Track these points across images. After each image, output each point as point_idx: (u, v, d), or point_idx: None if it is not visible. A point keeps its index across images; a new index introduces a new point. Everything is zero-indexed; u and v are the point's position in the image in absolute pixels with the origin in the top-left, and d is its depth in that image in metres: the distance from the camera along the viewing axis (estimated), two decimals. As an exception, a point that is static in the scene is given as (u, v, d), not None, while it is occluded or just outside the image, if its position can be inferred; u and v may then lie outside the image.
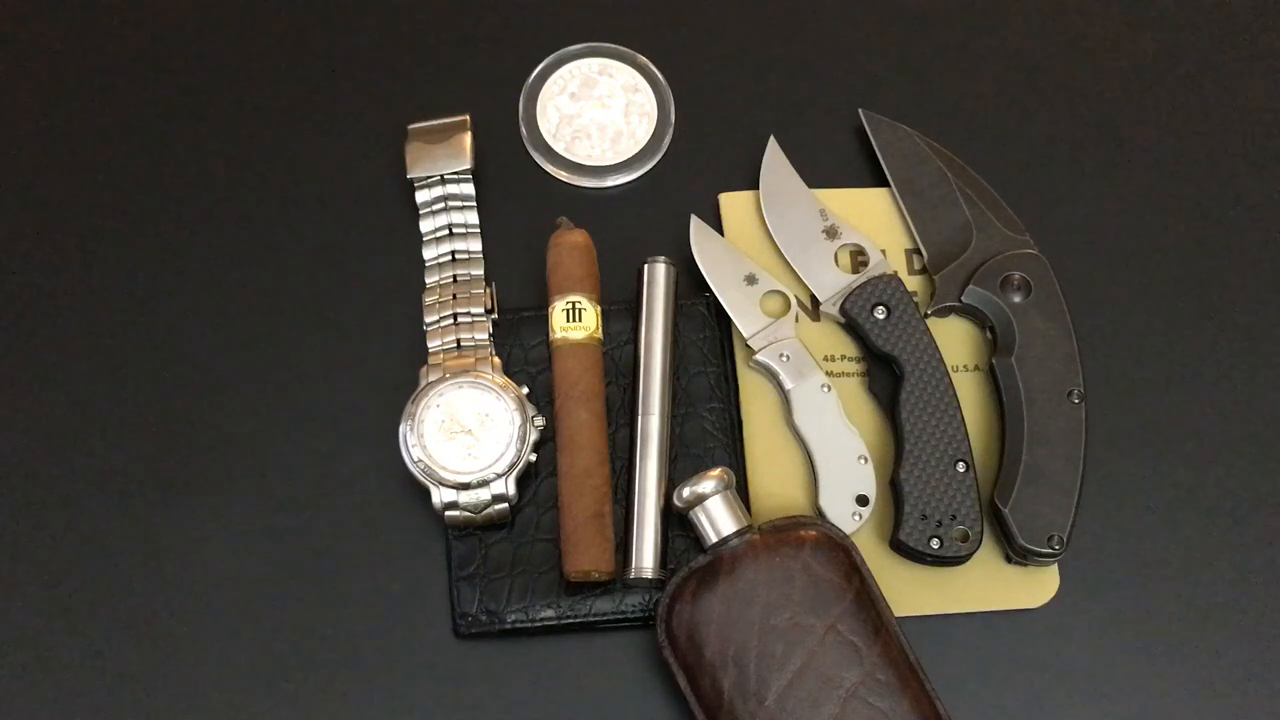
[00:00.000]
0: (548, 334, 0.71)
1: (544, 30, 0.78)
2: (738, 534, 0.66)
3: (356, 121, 0.77)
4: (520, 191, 0.76)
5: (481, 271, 0.72)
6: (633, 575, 0.67)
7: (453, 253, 0.72)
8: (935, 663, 0.68)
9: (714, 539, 0.66)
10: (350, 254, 0.74)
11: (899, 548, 0.68)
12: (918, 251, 0.74)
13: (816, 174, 0.75)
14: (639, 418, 0.70)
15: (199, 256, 0.74)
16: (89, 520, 0.70)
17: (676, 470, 0.70)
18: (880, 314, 0.71)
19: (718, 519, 0.66)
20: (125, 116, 0.76)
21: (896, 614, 0.67)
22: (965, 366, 0.73)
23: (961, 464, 0.68)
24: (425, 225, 0.73)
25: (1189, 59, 0.79)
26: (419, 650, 0.68)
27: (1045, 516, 0.68)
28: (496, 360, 0.69)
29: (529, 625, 0.68)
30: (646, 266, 0.72)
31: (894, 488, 0.69)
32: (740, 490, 0.70)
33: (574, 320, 0.70)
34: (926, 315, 0.72)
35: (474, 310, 0.70)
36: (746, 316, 0.71)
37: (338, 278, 0.74)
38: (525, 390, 0.69)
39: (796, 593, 0.64)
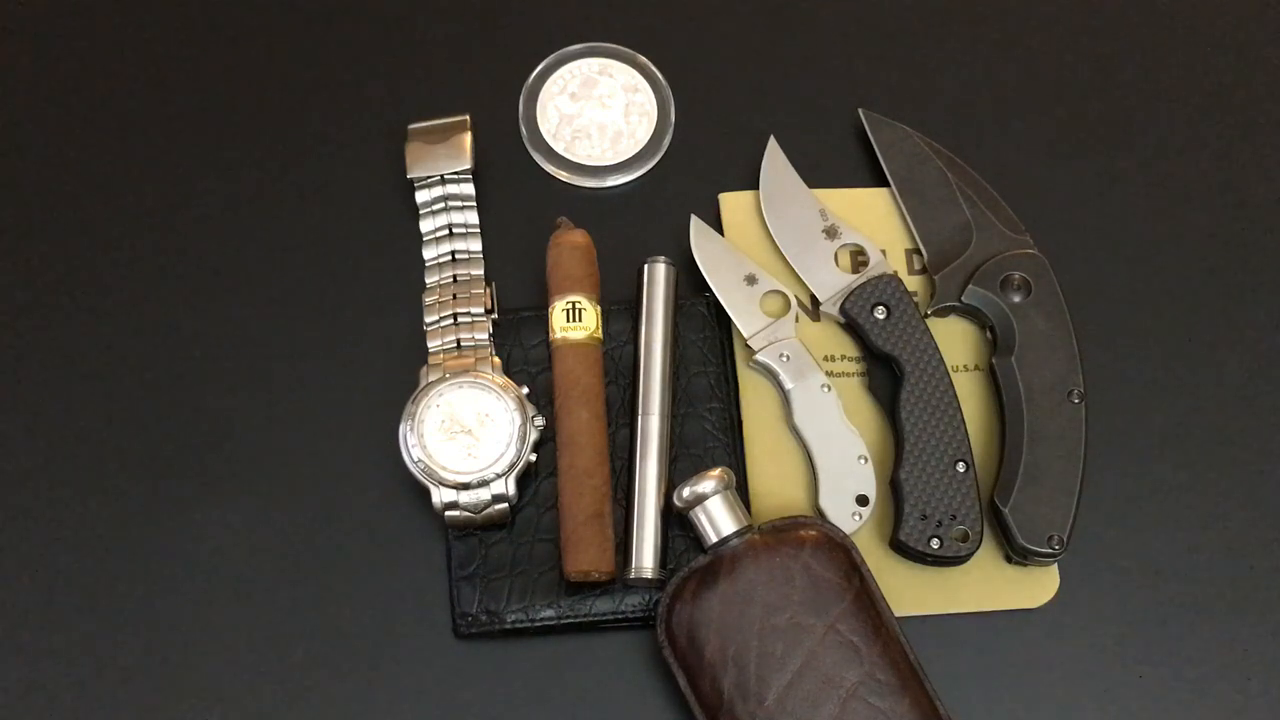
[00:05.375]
0: (548, 334, 0.71)
1: (544, 30, 0.78)
2: (738, 534, 0.66)
3: (356, 121, 0.77)
4: (520, 191, 0.76)
5: (481, 271, 0.72)
6: (633, 575, 0.67)
7: (453, 253, 0.72)
8: (935, 663, 0.68)
9: (714, 539, 0.66)
10: (350, 254, 0.74)
11: (899, 548, 0.68)
12: (918, 251, 0.74)
13: (816, 174, 0.75)
14: (639, 418, 0.70)
15: (199, 256, 0.74)
16: (89, 521, 0.70)
17: (676, 470, 0.70)
18: (880, 314, 0.71)
19: (718, 519, 0.66)
20: (126, 116, 0.76)
21: (896, 614, 0.67)
22: (965, 366, 0.73)
23: (961, 464, 0.68)
24: (425, 225, 0.73)
25: (1189, 59, 0.79)
26: (419, 650, 0.68)
27: (1045, 516, 0.68)
28: (496, 360, 0.69)
29: (529, 625, 0.68)
30: (646, 266, 0.72)
31: (894, 488, 0.69)
32: (740, 490, 0.70)
33: (574, 320, 0.70)
34: (926, 315, 0.72)
35: (474, 310, 0.70)
36: (746, 316, 0.71)
37: (338, 278, 0.74)
38: (525, 390, 0.69)
39: (796, 593, 0.64)
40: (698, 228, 0.73)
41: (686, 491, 0.66)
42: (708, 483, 0.66)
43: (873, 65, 0.79)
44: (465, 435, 0.67)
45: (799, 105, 0.78)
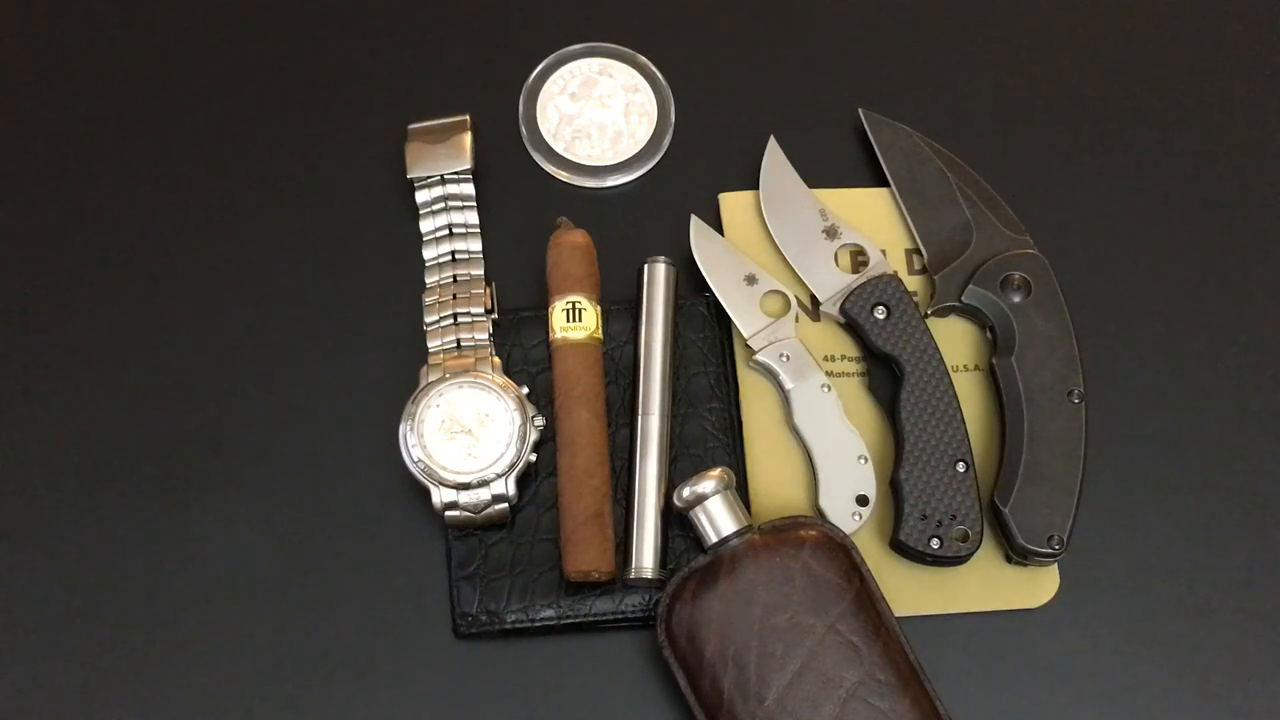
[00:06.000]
0: (548, 334, 0.71)
1: (544, 30, 0.78)
2: (738, 534, 0.66)
3: (356, 121, 0.77)
4: (520, 191, 0.76)
5: (481, 271, 0.72)
6: (633, 575, 0.67)
7: (453, 253, 0.72)
8: (935, 663, 0.68)
9: (714, 539, 0.66)
10: (350, 254, 0.74)
11: (899, 548, 0.68)
12: (918, 251, 0.74)
13: (816, 174, 0.75)
14: (639, 418, 0.70)
15: (199, 256, 0.74)
16: (89, 521, 0.70)
17: (676, 470, 0.70)
18: (880, 314, 0.71)
19: (718, 519, 0.66)
20: (126, 116, 0.76)
21: (896, 614, 0.67)
22: (965, 366, 0.73)
23: (961, 464, 0.68)
24: (425, 225, 0.73)
25: (1190, 58, 0.79)
26: (419, 650, 0.68)
27: (1045, 516, 0.68)
28: (496, 360, 0.69)
29: (529, 625, 0.68)
30: (646, 266, 0.72)
31: (894, 488, 0.69)
32: (740, 490, 0.70)
33: (574, 320, 0.70)
34: (926, 315, 0.72)
35: (474, 310, 0.70)
36: (746, 316, 0.71)
37: (338, 278, 0.74)
38: (525, 390, 0.69)
39: (796, 593, 0.64)
40: (698, 228, 0.73)
41: (686, 491, 0.66)
42: (708, 483, 0.66)
43: (873, 65, 0.79)
44: (465, 435, 0.67)
45: (799, 105, 0.78)
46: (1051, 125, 0.78)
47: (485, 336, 0.70)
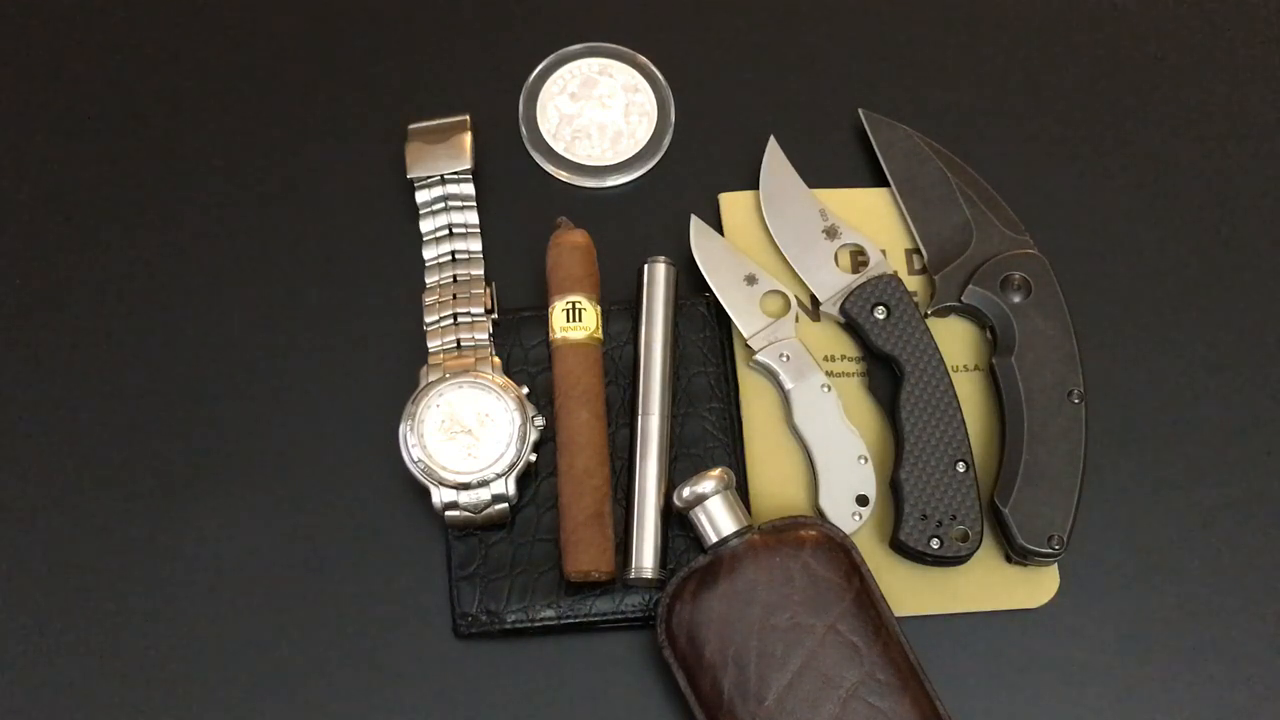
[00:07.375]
0: (548, 334, 0.71)
1: (544, 30, 0.78)
2: (738, 534, 0.66)
3: (356, 121, 0.77)
4: (520, 191, 0.76)
5: (481, 271, 0.72)
6: (633, 575, 0.67)
7: (453, 253, 0.72)
8: (935, 663, 0.68)
9: (714, 539, 0.66)
10: (350, 254, 0.74)
11: (899, 548, 0.68)
12: (918, 251, 0.74)
13: (816, 174, 0.75)
14: (639, 418, 0.70)
15: (199, 256, 0.74)
16: (89, 521, 0.70)
17: (676, 470, 0.70)
18: (880, 314, 0.71)
19: (718, 519, 0.66)
20: (125, 117, 0.76)
21: (896, 614, 0.67)
22: (965, 366, 0.73)
23: (961, 464, 0.68)
24: (425, 225, 0.73)
25: (1189, 59, 0.79)
26: (419, 650, 0.68)
27: (1045, 516, 0.68)
28: (496, 360, 0.69)
29: (529, 625, 0.68)
30: (646, 266, 0.72)
31: (894, 488, 0.69)
32: (740, 490, 0.70)
33: (574, 320, 0.70)
34: (926, 315, 0.72)
35: (474, 310, 0.70)
36: (746, 316, 0.72)
37: (338, 278, 0.74)
38: (525, 390, 0.69)
39: (796, 593, 0.64)
40: (698, 228, 0.73)
41: (686, 491, 0.66)
42: (708, 483, 0.66)
43: (873, 65, 0.79)
44: (465, 435, 0.67)
45: (799, 105, 0.78)
46: (1051, 125, 0.78)
47: (485, 336, 0.70)
